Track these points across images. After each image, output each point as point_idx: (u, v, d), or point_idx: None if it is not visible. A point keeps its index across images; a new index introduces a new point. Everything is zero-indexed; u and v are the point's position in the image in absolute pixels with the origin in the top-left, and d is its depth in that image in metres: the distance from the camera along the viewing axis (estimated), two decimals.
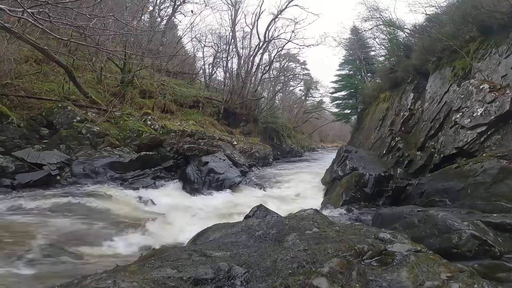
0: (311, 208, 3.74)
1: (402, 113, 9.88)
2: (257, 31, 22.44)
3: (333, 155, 12.77)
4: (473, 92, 6.21)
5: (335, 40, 33.64)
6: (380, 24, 16.30)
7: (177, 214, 6.17)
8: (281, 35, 32.91)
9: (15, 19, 5.03)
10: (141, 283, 1.68)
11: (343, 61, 24.34)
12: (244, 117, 19.48)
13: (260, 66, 23.17)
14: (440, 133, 7.04)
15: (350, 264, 2.08)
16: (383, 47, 18.04)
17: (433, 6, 11.28)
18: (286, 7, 21.69)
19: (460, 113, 6.35)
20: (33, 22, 3.81)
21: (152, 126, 11.22)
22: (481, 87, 6.04)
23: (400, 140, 8.70)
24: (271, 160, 17.46)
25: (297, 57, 32.08)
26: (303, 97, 38.90)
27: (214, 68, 22.98)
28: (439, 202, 4.79)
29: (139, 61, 13.46)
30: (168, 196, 7.98)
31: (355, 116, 20.98)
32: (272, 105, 26.21)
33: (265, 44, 22.06)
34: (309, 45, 25.20)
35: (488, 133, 5.61)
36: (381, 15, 15.78)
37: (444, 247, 2.84)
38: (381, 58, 19.78)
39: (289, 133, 28.53)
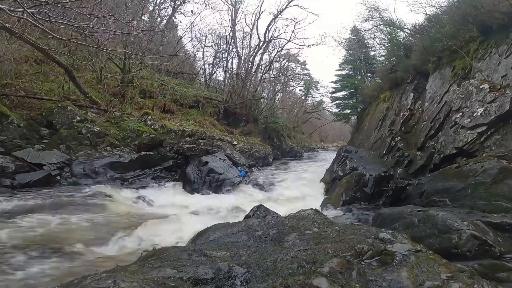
0: (311, 208, 3.74)
1: (402, 113, 9.88)
2: (257, 31, 22.45)
3: (333, 155, 12.76)
4: (473, 92, 6.21)
5: (335, 40, 33.76)
6: (380, 24, 16.30)
7: (177, 214, 6.17)
8: (281, 35, 33.03)
9: (15, 19, 5.04)
10: (141, 283, 1.68)
11: (343, 61, 24.31)
12: (244, 117, 19.48)
13: (260, 66, 23.17)
14: (440, 133, 7.03)
15: (350, 264, 2.08)
16: (383, 47, 18.04)
17: (433, 6, 11.29)
18: (286, 7, 21.70)
19: (460, 113, 6.35)
20: (33, 22, 3.81)
21: (152, 126, 11.22)
22: (481, 87, 6.04)
23: (400, 140, 8.70)
24: (271, 160, 17.45)
25: (297, 57, 32.12)
26: (303, 97, 38.89)
27: (214, 68, 23.04)
28: (439, 202, 4.78)
29: (139, 61, 13.46)
30: (168, 196, 7.98)
31: (355, 116, 20.96)
32: (272, 105, 26.21)
33: (265, 44, 22.06)
34: (309, 45, 25.20)
35: (488, 133, 5.61)
36: (381, 15, 15.78)
37: (444, 247, 2.84)
38: (381, 58, 19.80)
39: (289, 133, 28.54)
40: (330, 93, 29.03)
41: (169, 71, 17.58)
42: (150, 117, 11.76)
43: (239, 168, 11.32)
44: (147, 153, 9.62)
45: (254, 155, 15.59)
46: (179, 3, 20.42)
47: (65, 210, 5.39)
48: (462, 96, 6.49)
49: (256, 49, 21.95)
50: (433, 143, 7.08)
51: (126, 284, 1.64)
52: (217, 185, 9.12)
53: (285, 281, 1.84)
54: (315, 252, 2.25)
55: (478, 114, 5.83)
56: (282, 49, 23.89)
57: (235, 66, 21.95)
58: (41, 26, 3.94)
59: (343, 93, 24.52)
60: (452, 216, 3.23)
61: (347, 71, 24.18)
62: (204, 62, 22.77)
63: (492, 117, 5.53)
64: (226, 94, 19.32)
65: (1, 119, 7.69)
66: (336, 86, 25.26)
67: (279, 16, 21.74)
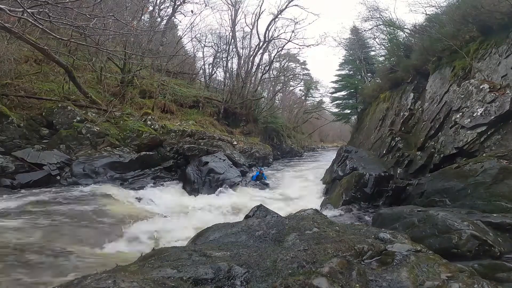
0: (311, 208, 3.74)
1: (402, 113, 9.89)
2: (257, 31, 22.49)
3: (333, 155, 12.77)
4: (473, 92, 6.21)
5: (335, 40, 33.87)
6: (380, 24, 16.31)
7: (177, 214, 6.17)
8: (281, 35, 33.12)
9: (15, 19, 5.04)
10: (141, 283, 1.68)
11: (343, 61, 24.33)
12: (244, 117, 19.50)
13: (260, 66, 23.20)
14: (440, 133, 7.03)
15: (350, 264, 2.08)
16: (383, 47, 18.05)
17: (433, 6, 11.30)
18: (286, 7, 21.77)
19: (460, 113, 6.34)
20: (33, 22, 3.81)
21: (152, 126, 11.22)
22: (481, 87, 6.04)
23: (400, 140, 8.70)
24: (271, 160, 17.46)
25: (297, 57, 32.19)
26: (303, 97, 38.92)
27: (214, 68, 23.05)
28: (439, 202, 4.78)
29: (139, 61, 13.46)
30: (168, 196, 7.98)
31: (355, 116, 20.98)
32: (272, 105, 26.24)
33: (265, 44, 22.08)
34: (309, 45, 25.37)
35: (488, 133, 5.61)
36: (381, 15, 15.79)
37: (444, 247, 2.84)
38: (381, 58, 19.80)
39: (289, 133, 28.57)
40: (330, 93, 29.08)
41: (169, 71, 17.58)
42: (150, 117, 11.76)
43: (258, 170, 11.18)
44: (147, 153, 9.61)
45: (254, 155, 15.60)
46: (179, 3, 20.46)
47: (65, 210, 5.39)
48: (462, 96, 6.49)
49: (256, 49, 21.99)
50: (433, 143, 7.07)
51: (126, 284, 1.64)
52: (217, 185, 9.11)
53: (285, 281, 1.84)
54: (315, 252, 2.25)
55: (478, 114, 5.82)
56: (282, 49, 23.98)
57: (235, 66, 21.99)
58: (41, 26, 3.94)
59: (343, 93, 24.54)
60: (452, 216, 3.23)
61: (347, 71, 24.19)
62: (204, 62, 22.83)
63: (492, 117, 5.52)
64: (226, 94, 19.33)
65: (1, 119, 7.69)
66: (336, 86, 25.28)
67: (279, 16, 21.80)
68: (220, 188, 8.91)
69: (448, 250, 2.80)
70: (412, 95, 9.76)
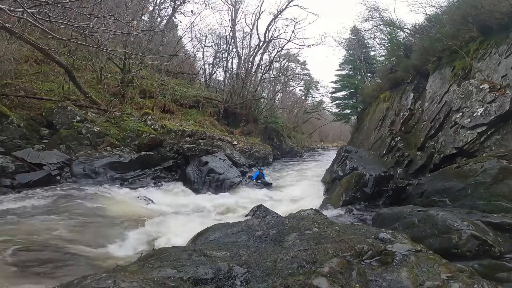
0: (311, 208, 3.75)
1: (402, 113, 9.88)
2: (257, 31, 22.50)
3: (333, 155, 12.77)
4: (473, 92, 6.21)
5: (335, 40, 33.87)
6: (380, 24, 16.32)
7: (177, 214, 6.17)
8: (281, 35, 33.09)
9: (15, 19, 5.04)
10: (141, 283, 1.68)
11: (343, 61, 24.33)
12: (244, 117, 19.51)
13: (260, 66, 23.21)
14: (440, 133, 7.03)
15: (350, 264, 2.08)
16: (383, 47, 18.05)
17: (433, 6, 11.30)
18: (286, 7, 21.79)
19: (460, 113, 6.34)
20: (33, 22, 3.81)
21: (152, 126, 11.22)
22: (481, 87, 6.03)
23: (400, 140, 8.70)
24: (271, 160, 17.46)
25: (297, 57, 32.22)
26: (303, 97, 38.93)
27: (214, 68, 23.06)
28: (439, 202, 4.78)
29: (139, 61, 13.47)
30: (168, 196, 7.98)
31: (355, 116, 20.98)
32: (272, 105, 26.25)
33: (265, 44, 22.09)
34: (309, 45, 25.38)
35: (488, 133, 5.61)
36: (381, 15, 15.79)
37: (444, 247, 2.84)
38: (381, 58, 19.81)
39: (289, 133, 28.58)
40: (330, 93, 29.10)
41: (169, 71, 17.59)
42: (150, 117, 11.77)
43: (258, 170, 11.27)
44: (147, 153, 9.61)
45: (254, 155, 15.60)
46: (179, 3, 20.49)
47: (65, 210, 5.39)
48: (462, 96, 6.49)
49: (256, 49, 22.01)
50: (433, 143, 7.07)
51: (126, 284, 1.64)
52: (217, 185, 9.11)
53: (285, 281, 1.84)
54: (315, 252, 2.25)
55: (478, 114, 5.82)
56: (282, 49, 24.01)
57: (235, 66, 22.01)
58: (41, 26, 3.94)
59: (343, 93, 24.55)
60: (452, 216, 3.23)
61: (347, 71, 24.20)
62: (204, 62, 22.84)
63: (492, 117, 5.52)
64: (226, 94, 19.33)
65: (1, 119, 7.69)
66: (336, 86, 25.28)
67: (279, 16, 21.82)
68: (220, 188, 8.92)
69: (448, 250, 2.80)
70: (412, 95, 9.76)
